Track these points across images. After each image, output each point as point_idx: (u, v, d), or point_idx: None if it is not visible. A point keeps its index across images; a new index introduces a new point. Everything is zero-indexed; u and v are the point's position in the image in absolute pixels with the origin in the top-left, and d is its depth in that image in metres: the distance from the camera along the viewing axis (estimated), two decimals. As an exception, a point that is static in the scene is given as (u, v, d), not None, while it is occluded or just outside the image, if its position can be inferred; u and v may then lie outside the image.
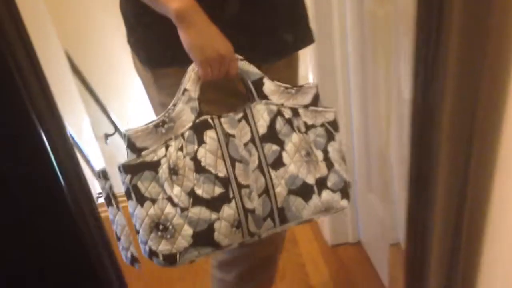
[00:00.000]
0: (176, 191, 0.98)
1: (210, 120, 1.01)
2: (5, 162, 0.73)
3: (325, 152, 1.09)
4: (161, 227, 0.98)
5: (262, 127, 1.04)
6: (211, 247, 1.00)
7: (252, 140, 1.03)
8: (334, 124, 1.11)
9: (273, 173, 1.04)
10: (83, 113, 2.69)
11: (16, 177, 0.75)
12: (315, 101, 1.09)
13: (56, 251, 0.83)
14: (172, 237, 0.98)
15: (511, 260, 0.79)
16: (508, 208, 0.78)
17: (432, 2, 0.70)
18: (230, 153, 1.01)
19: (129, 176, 0.97)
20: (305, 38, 1.20)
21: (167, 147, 0.98)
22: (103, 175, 1.01)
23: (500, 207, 0.80)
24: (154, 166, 0.98)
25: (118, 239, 1.03)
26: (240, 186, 1.01)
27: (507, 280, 0.81)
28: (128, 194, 0.98)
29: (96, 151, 2.87)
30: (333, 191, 1.09)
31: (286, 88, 1.07)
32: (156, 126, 0.98)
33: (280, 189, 1.04)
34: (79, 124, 2.67)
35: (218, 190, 1.00)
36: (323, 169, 1.09)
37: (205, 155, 0.99)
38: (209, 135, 1.00)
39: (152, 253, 0.99)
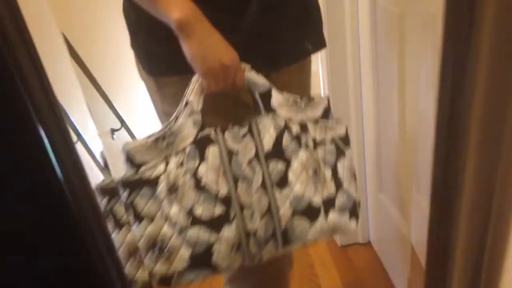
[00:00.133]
0: (174, 210, 0.94)
1: (212, 135, 0.95)
2: (3, 161, 0.70)
3: (334, 170, 1.04)
4: (157, 246, 0.94)
5: (267, 143, 0.98)
6: (208, 270, 0.97)
7: (257, 156, 0.98)
8: (345, 139, 1.05)
9: (277, 193, 0.98)
10: (86, 109, 2.66)
11: (14, 174, 0.72)
12: (326, 114, 1.03)
13: (55, 250, 0.79)
14: (168, 258, 0.95)
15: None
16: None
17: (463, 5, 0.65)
18: (232, 170, 0.96)
19: (127, 192, 0.93)
20: (317, 42, 1.15)
21: (167, 163, 0.94)
22: (100, 191, 0.96)
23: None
24: (152, 183, 0.94)
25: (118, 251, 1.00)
26: (242, 206, 0.96)
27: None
28: (126, 210, 0.95)
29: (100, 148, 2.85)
30: (341, 211, 1.04)
31: (296, 101, 1.01)
32: (156, 140, 0.93)
33: (284, 210, 0.99)
34: (85, 120, 2.64)
35: (218, 210, 0.95)
36: (331, 189, 1.03)
37: (206, 172, 0.94)
38: (211, 151, 0.95)
39: (149, 273, 0.96)
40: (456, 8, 0.64)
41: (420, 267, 1.44)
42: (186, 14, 0.87)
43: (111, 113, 2.89)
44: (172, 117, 0.94)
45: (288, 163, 0.99)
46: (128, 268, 0.95)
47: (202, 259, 0.95)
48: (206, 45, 0.90)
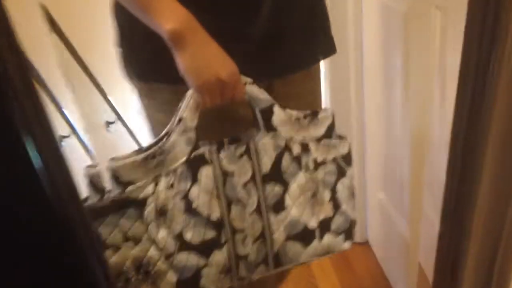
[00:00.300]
0: (161, 235, 0.88)
1: (207, 155, 0.88)
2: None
3: (333, 191, 0.98)
4: (142, 270, 0.89)
5: (265, 164, 0.91)
6: None
7: (253, 179, 0.91)
8: (347, 158, 0.99)
9: (272, 217, 0.93)
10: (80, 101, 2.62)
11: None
12: (329, 132, 0.96)
13: (38, 251, 0.75)
14: (153, 283, 0.90)
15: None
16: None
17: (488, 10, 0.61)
18: (226, 193, 0.90)
19: (113, 211, 0.87)
20: (326, 48, 1.07)
21: (156, 184, 0.87)
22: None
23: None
24: (139, 204, 0.87)
25: None
26: (234, 231, 0.91)
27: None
28: (111, 230, 0.89)
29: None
30: (336, 234, 1.00)
31: (298, 118, 0.93)
32: (145, 158, 0.86)
33: (278, 235, 0.94)
34: (79, 112, 2.60)
35: (209, 234, 0.89)
36: (328, 211, 0.98)
37: (198, 195, 0.88)
38: (205, 173, 0.88)
39: None
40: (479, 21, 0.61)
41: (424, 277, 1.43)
42: (180, 24, 0.80)
43: (101, 106, 2.85)
44: (162, 134, 0.87)
45: (286, 186, 0.93)
46: (133, 283, 0.91)
47: (189, 284, 0.91)
48: (200, 57, 0.82)
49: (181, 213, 0.88)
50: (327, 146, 0.96)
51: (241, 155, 0.90)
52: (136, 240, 0.88)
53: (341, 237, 1.01)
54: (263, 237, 0.93)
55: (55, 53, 2.30)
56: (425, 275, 1.45)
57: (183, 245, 0.89)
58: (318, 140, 0.95)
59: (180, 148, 0.87)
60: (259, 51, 0.91)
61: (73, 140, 2.54)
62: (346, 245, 1.02)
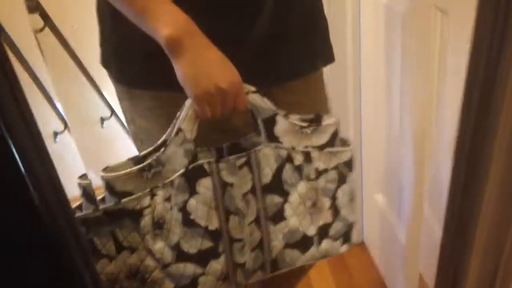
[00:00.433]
0: (158, 246, 0.86)
1: (206, 166, 0.85)
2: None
3: (334, 197, 0.95)
4: (138, 277, 0.87)
5: (266, 176, 0.88)
6: None
7: (253, 190, 0.88)
8: (349, 164, 0.96)
9: (271, 227, 0.91)
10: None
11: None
12: (332, 140, 0.92)
13: (23, 255, 0.74)
14: None
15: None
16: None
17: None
18: (225, 204, 0.87)
19: (107, 221, 0.84)
20: (324, 56, 1.03)
21: (152, 196, 0.84)
22: (82, 223, 0.88)
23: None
24: (135, 214, 0.84)
25: None
26: (232, 240, 0.89)
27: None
28: (106, 239, 0.86)
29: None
30: (335, 239, 0.98)
31: (302, 127, 0.89)
32: (141, 170, 0.83)
33: (277, 243, 0.92)
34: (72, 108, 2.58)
35: (206, 244, 0.87)
36: (327, 218, 0.96)
37: (196, 207, 0.85)
38: (203, 184, 0.85)
39: None
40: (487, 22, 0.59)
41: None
42: (177, 30, 0.75)
43: (96, 102, 2.83)
44: (159, 143, 0.84)
45: (286, 196, 0.90)
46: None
47: None
48: (199, 65, 0.77)
49: (178, 224, 0.85)
50: (330, 153, 0.93)
51: (242, 166, 0.87)
52: (132, 250, 0.86)
53: (339, 241, 0.99)
54: (261, 245, 0.92)
55: (48, 48, 2.27)
56: (424, 282, 1.44)
57: (180, 255, 0.87)
58: (321, 148, 0.92)
59: (178, 160, 0.83)
60: (257, 57, 0.88)
61: (66, 135, 2.53)
62: (344, 248, 1.01)
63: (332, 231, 0.97)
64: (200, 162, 0.85)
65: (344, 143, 0.94)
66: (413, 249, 1.39)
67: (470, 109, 0.68)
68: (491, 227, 0.76)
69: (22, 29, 1.95)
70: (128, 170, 0.82)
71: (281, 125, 0.87)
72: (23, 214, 0.68)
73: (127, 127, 1.02)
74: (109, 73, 0.96)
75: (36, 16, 2.04)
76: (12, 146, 0.61)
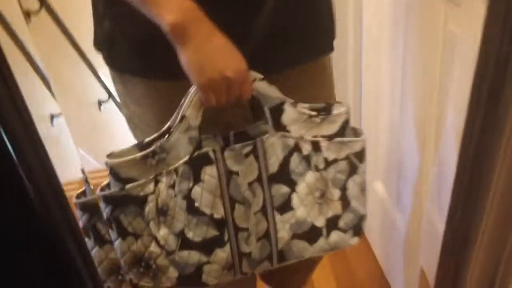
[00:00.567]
0: (162, 233, 0.85)
1: (211, 154, 0.84)
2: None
3: (344, 188, 0.93)
4: (143, 264, 0.87)
5: (273, 165, 0.87)
6: (197, 287, 0.91)
7: (259, 179, 0.87)
8: (360, 155, 0.93)
9: (277, 217, 0.90)
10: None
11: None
12: (343, 130, 0.90)
13: (19, 251, 0.72)
14: (155, 276, 0.88)
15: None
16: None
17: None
18: (230, 192, 0.86)
19: (110, 208, 0.84)
20: (329, 44, 0.99)
21: (156, 183, 0.83)
22: (80, 207, 0.87)
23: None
24: (139, 201, 0.83)
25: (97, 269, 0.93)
26: (237, 229, 0.87)
27: None
28: (109, 224, 0.86)
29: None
30: (344, 231, 0.96)
31: (310, 116, 0.87)
32: (145, 157, 0.82)
33: (283, 234, 0.91)
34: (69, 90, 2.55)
35: (211, 232, 0.86)
36: (337, 209, 0.94)
37: (201, 194, 0.84)
38: (208, 172, 0.84)
39: (134, 285, 0.90)
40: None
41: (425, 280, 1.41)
42: (182, 16, 0.72)
43: (94, 85, 2.80)
44: (163, 130, 0.83)
45: (293, 186, 0.89)
46: (132, 276, 0.89)
47: (191, 279, 0.89)
48: (204, 52, 0.75)
49: (182, 212, 0.84)
50: (340, 143, 0.90)
51: (248, 155, 0.86)
52: (137, 236, 0.85)
53: (349, 233, 0.97)
54: (268, 235, 0.91)
55: (45, 30, 2.24)
56: (426, 279, 1.43)
57: (185, 243, 0.86)
58: (331, 138, 0.90)
59: (182, 147, 0.82)
60: (262, 45, 0.85)
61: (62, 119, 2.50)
62: (354, 240, 0.98)
63: (341, 223, 0.95)
64: (204, 149, 0.83)
65: (356, 133, 0.92)
66: (414, 242, 1.38)
67: (478, 104, 0.66)
68: (495, 224, 0.75)
69: (18, 11, 1.92)
70: (132, 156, 0.81)
71: (289, 114, 0.86)
72: (16, 205, 0.66)
73: (123, 111, 1.01)
74: (102, 57, 0.94)
75: (32, -3, 2.00)
76: (3, 134, 0.60)
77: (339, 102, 0.90)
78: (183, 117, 0.81)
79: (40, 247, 0.71)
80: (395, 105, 1.38)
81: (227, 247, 0.88)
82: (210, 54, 0.75)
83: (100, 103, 2.91)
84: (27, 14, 1.88)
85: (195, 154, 0.83)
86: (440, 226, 1.27)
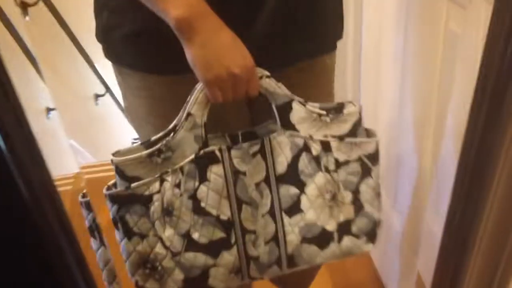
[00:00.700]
0: (168, 234, 0.84)
1: (217, 153, 0.82)
2: None
3: (356, 192, 0.90)
4: (149, 265, 0.85)
5: (281, 164, 0.85)
6: None
7: (267, 180, 0.85)
8: (373, 157, 0.90)
9: (286, 219, 0.87)
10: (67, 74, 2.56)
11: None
12: (354, 130, 0.87)
13: (14, 261, 0.71)
14: (160, 278, 0.86)
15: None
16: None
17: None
18: (237, 193, 0.84)
19: (116, 207, 0.83)
20: (325, 45, 0.97)
21: (162, 182, 0.81)
22: (85, 206, 0.85)
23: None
24: (145, 200, 0.82)
25: (102, 270, 0.91)
26: (244, 231, 0.85)
27: None
28: (115, 224, 0.85)
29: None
30: (357, 236, 0.92)
31: (320, 114, 0.85)
32: (151, 155, 0.81)
33: (292, 237, 0.88)
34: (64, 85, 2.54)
35: (218, 234, 0.84)
36: (349, 213, 0.90)
37: (207, 194, 0.82)
38: (214, 171, 0.82)
39: (139, 286, 0.89)
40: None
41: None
42: (188, 10, 0.71)
43: (90, 78, 2.78)
44: (169, 128, 0.82)
45: (302, 187, 0.86)
46: (137, 278, 0.88)
47: (197, 282, 0.87)
48: (210, 48, 0.74)
49: (188, 212, 0.83)
50: (351, 144, 0.88)
51: (255, 154, 0.84)
52: (143, 236, 0.84)
53: (363, 239, 0.93)
54: (276, 239, 0.88)
55: (43, 23, 2.23)
56: (423, 284, 1.43)
57: (190, 244, 0.84)
58: (341, 138, 0.87)
59: (188, 145, 0.81)
60: (267, 38, 0.84)
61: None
62: (368, 247, 0.94)
63: (354, 228, 0.91)
64: (211, 148, 0.82)
65: (368, 134, 0.90)
66: (411, 245, 1.37)
67: (481, 105, 0.65)
68: (494, 228, 0.74)
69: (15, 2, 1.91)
70: (138, 154, 0.80)
71: (297, 112, 0.84)
72: (6, 199, 0.65)
73: (123, 100, 1.01)
74: (102, 48, 0.93)
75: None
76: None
77: (351, 102, 0.88)
78: (188, 115, 0.79)
79: (30, 242, 0.70)
80: (394, 105, 1.37)
81: (234, 250, 0.86)
82: (217, 49, 0.74)
83: (96, 97, 2.89)
84: (24, 6, 1.86)
85: (201, 152, 0.82)
86: (438, 229, 1.26)
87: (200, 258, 0.85)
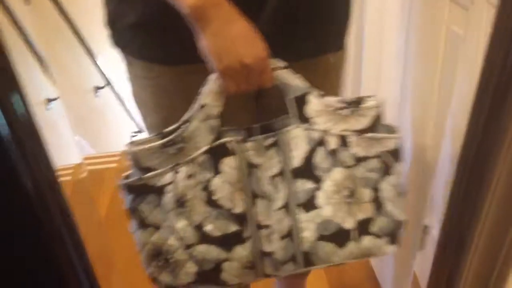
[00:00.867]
0: (181, 225, 0.83)
1: (231, 145, 0.80)
2: None
3: (376, 189, 0.86)
4: (162, 258, 0.85)
5: (296, 158, 0.82)
6: (217, 285, 0.88)
7: (282, 173, 0.83)
8: (394, 154, 0.87)
9: (302, 215, 0.84)
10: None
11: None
12: (374, 125, 0.84)
13: (15, 249, 0.72)
14: (173, 271, 0.85)
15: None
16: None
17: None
18: (251, 186, 0.82)
19: (131, 196, 0.83)
20: (328, 44, 0.95)
21: (175, 172, 0.81)
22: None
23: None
24: (158, 191, 0.82)
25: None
26: (258, 226, 0.84)
27: None
28: (130, 214, 0.85)
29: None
30: (378, 236, 0.88)
31: (338, 108, 0.83)
32: (164, 145, 0.80)
33: (308, 234, 0.85)
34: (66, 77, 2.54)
35: (231, 228, 0.83)
36: (368, 210, 0.87)
37: (221, 186, 0.81)
38: (228, 163, 0.81)
39: (154, 279, 0.89)
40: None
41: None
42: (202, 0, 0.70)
43: (90, 71, 2.78)
44: (183, 119, 0.81)
45: (318, 182, 0.84)
46: (151, 270, 0.88)
47: (210, 276, 0.86)
48: (223, 38, 0.72)
49: (201, 204, 0.82)
50: (370, 140, 0.85)
51: (269, 147, 0.83)
52: (156, 227, 0.84)
53: (384, 240, 0.89)
54: (291, 235, 0.85)
55: (45, 14, 2.22)
56: (419, 285, 1.43)
57: (203, 237, 0.83)
58: (360, 133, 0.84)
59: (201, 136, 0.80)
60: (272, 33, 0.81)
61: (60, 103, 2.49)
62: (390, 248, 0.90)
63: (374, 227, 0.88)
64: (225, 140, 0.81)
65: (389, 130, 0.87)
66: (408, 246, 1.37)
67: (482, 107, 0.65)
68: (491, 228, 0.74)
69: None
70: (150, 145, 0.80)
71: (314, 105, 0.82)
72: (8, 186, 0.66)
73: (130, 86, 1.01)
74: (109, 35, 0.93)
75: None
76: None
77: (371, 96, 0.85)
78: (202, 105, 0.78)
79: (31, 229, 0.71)
80: (394, 105, 1.37)
81: (248, 244, 0.84)
82: (229, 39, 0.73)
83: (96, 89, 2.89)
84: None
85: (215, 144, 0.80)
86: (435, 230, 1.27)
87: (213, 251, 0.84)
